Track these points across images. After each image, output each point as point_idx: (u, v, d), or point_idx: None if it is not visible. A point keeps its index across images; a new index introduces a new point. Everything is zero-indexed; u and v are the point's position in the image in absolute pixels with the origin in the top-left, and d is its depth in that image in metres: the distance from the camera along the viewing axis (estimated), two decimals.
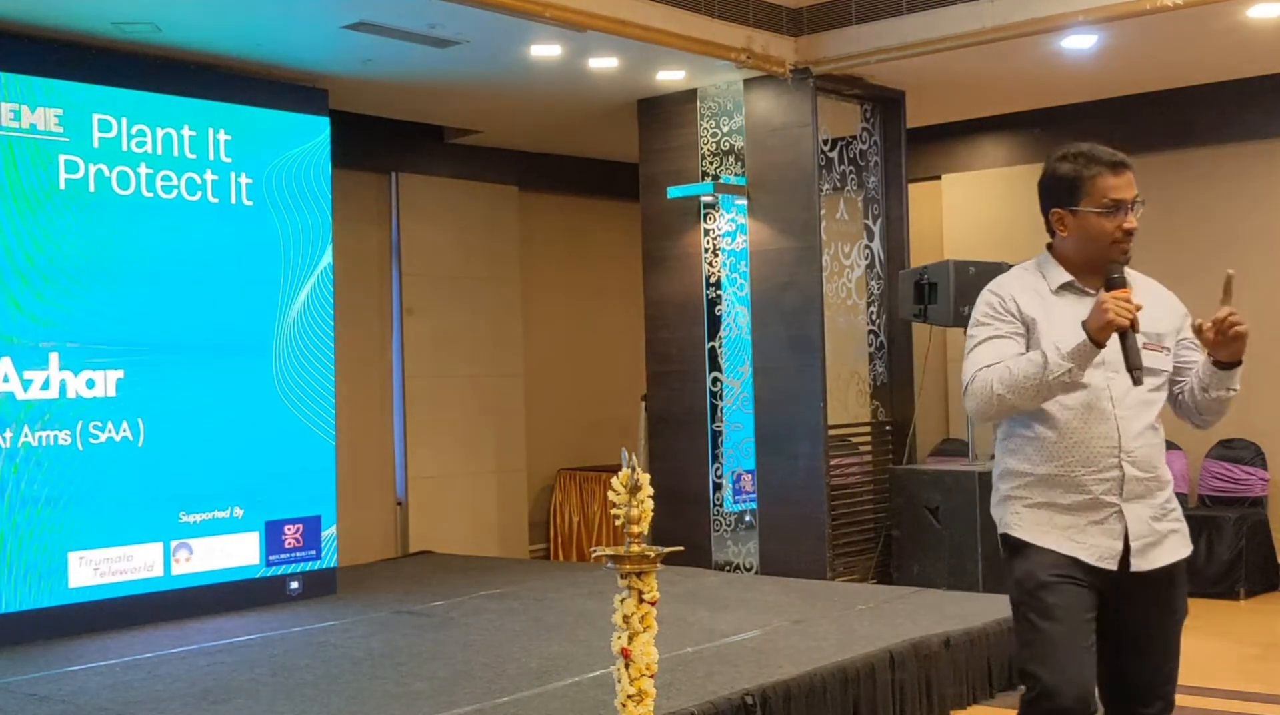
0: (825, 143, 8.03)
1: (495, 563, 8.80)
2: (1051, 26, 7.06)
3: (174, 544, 6.93)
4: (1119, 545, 3.15)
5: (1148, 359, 3.10)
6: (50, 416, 6.49)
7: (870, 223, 8.44)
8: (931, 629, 5.75)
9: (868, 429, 8.39)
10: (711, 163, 8.26)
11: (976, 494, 7.27)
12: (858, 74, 8.01)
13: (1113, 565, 3.15)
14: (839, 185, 8.19)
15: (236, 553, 7.16)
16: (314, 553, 7.48)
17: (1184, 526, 3.34)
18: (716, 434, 8.26)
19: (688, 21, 7.24)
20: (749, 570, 8.05)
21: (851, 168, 8.29)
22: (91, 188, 6.68)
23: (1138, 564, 3.17)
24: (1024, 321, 3.20)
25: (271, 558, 7.30)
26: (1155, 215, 9.20)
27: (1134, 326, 2.99)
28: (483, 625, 6.38)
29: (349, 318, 8.36)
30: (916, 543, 7.71)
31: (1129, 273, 3.19)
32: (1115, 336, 3.00)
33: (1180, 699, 5.81)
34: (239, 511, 7.18)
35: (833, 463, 7.92)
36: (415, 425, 9.29)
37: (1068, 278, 3.22)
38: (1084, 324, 3.00)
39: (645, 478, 3.78)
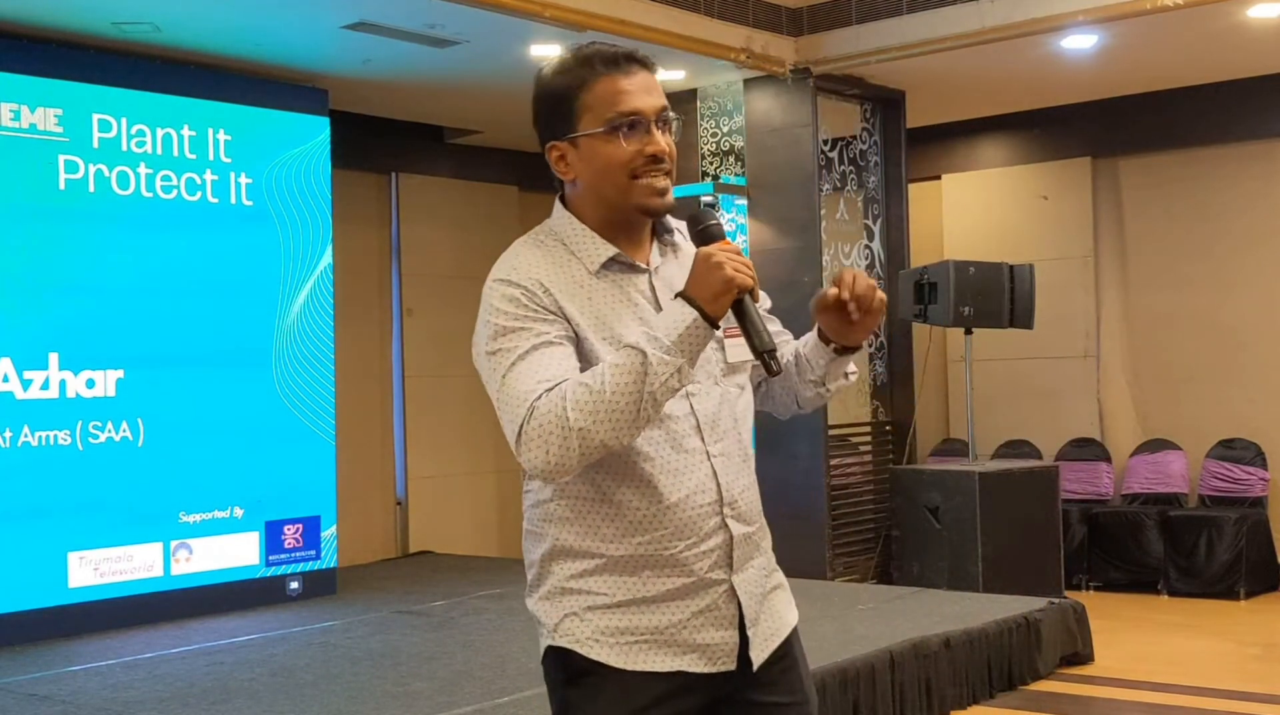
0: (825, 143, 8.04)
1: (495, 563, 8.80)
2: (1051, 26, 7.06)
3: (174, 544, 6.93)
4: (735, 635, 2.14)
5: (732, 351, 2.17)
6: (50, 416, 6.49)
7: (870, 223, 8.44)
8: (931, 629, 5.75)
9: (868, 429, 8.39)
10: (711, 163, 8.26)
11: (976, 494, 7.27)
12: (858, 74, 8.01)
13: (730, 664, 2.14)
14: (839, 185, 8.19)
15: (236, 553, 7.16)
16: (314, 553, 7.48)
17: (784, 579, 2.33)
18: None
19: (688, 21, 7.24)
20: None
21: (851, 168, 8.29)
22: (91, 188, 6.68)
23: (758, 653, 2.17)
24: (568, 320, 2.09)
25: (271, 558, 7.30)
26: (1155, 215, 9.26)
27: (749, 289, 2.01)
28: (483, 625, 6.37)
29: (349, 318, 8.36)
30: (916, 543, 7.70)
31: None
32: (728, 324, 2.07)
33: (1180, 699, 5.85)
34: (239, 511, 7.18)
35: (833, 463, 7.92)
36: (415, 425, 9.28)
37: (610, 249, 2.14)
38: (684, 295, 1.99)
39: None
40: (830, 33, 7.78)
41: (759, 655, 2.16)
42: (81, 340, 6.61)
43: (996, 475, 7.37)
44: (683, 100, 8.34)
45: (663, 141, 2.10)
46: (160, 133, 6.93)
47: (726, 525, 2.12)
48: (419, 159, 9.39)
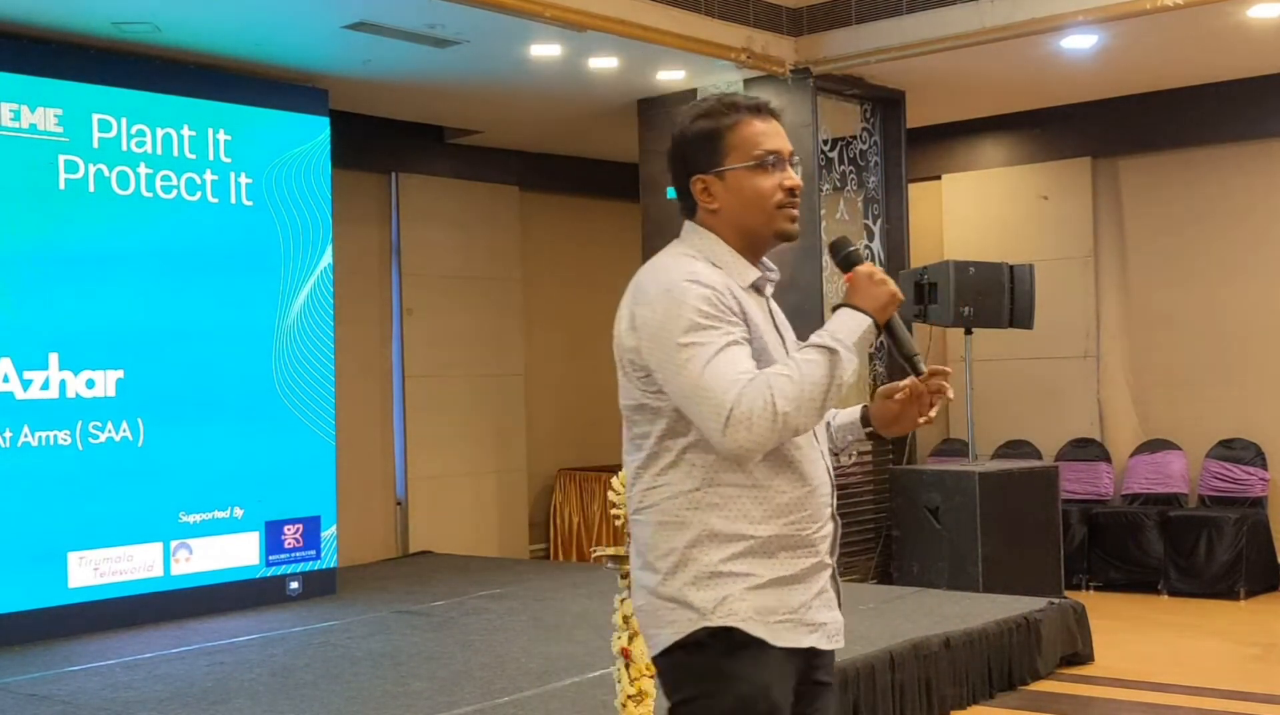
0: (825, 142, 8.04)
1: (495, 563, 8.80)
2: (1051, 26, 7.06)
3: (174, 544, 6.93)
4: (840, 617, 2.43)
5: None
6: (50, 416, 6.49)
7: (870, 223, 8.44)
8: (931, 629, 5.75)
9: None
10: None
11: (976, 494, 7.28)
12: (858, 74, 8.01)
13: (841, 643, 2.42)
14: (839, 185, 8.19)
15: (236, 553, 7.16)
16: (314, 553, 7.48)
17: None
18: None
19: (688, 21, 7.24)
20: None
21: (851, 168, 8.29)
22: (91, 188, 6.68)
23: (841, 633, 2.44)
24: (747, 324, 2.37)
25: (271, 558, 7.30)
26: (1155, 214, 9.25)
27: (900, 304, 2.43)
28: (483, 625, 6.38)
29: (349, 318, 8.36)
30: (916, 543, 7.70)
31: None
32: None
33: (1180, 699, 5.85)
34: (239, 511, 7.18)
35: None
36: (415, 425, 9.28)
37: (755, 272, 2.47)
38: (851, 305, 2.36)
39: None
40: (830, 33, 7.78)
41: (841, 637, 2.42)
42: (81, 340, 6.61)
43: (996, 475, 7.37)
44: (683, 100, 8.34)
45: (797, 179, 2.47)
46: (160, 133, 6.93)
47: (835, 516, 2.44)
48: (419, 159, 9.39)
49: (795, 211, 2.48)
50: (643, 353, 2.36)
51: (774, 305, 2.51)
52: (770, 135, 2.45)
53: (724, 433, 2.22)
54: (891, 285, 2.37)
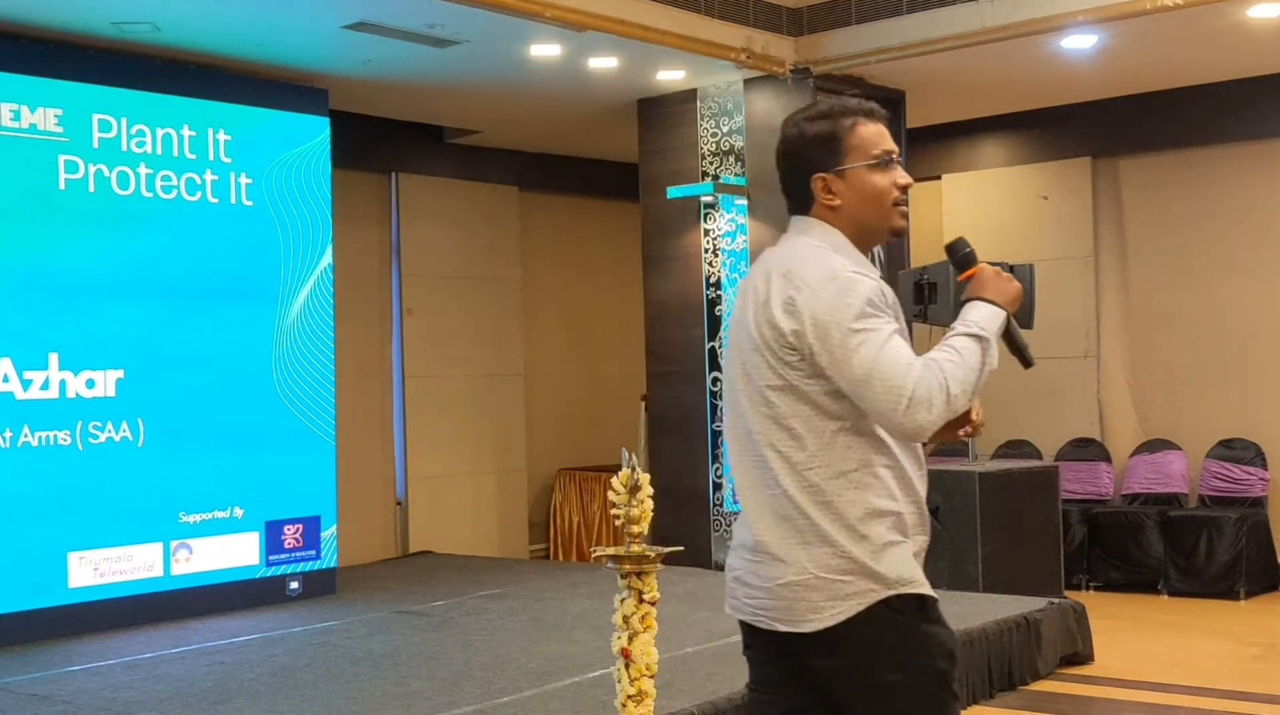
0: None
1: (495, 563, 8.80)
2: (1051, 26, 7.06)
3: (174, 544, 6.93)
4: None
5: None
6: (50, 416, 6.49)
7: None
8: None
9: None
10: (711, 163, 8.26)
11: (976, 494, 7.27)
12: (858, 74, 8.01)
13: None
14: None
15: (236, 553, 7.16)
16: (314, 553, 7.48)
17: None
18: (716, 434, 8.25)
19: (688, 21, 7.24)
20: None
21: None
22: (91, 188, 6.68)
23: None
24: (896, 318, 2.53)
25: (271, 558, 7.30)
26: (1155, 214, 9.25)
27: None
28: (483, 625, 6.38)
29: (349, 318, 8.36)
30: None
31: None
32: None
33: (1180, 699, 5.85)
34: (239, 511, 7.18)
35: None
36: (415, 425, 9.28)
37: (876, 269, 2.62)
38: (983, 298, 2.55)
39: (645, 478, 3.78)
40: (830, 33, 7.78)
41: None
42: (81, 340, 6.61)
43: (996, 475, 7.36)
44: (683, 100, 8.35)
45: (909, 178, 2.62)
46: (160, 133, 6.93)
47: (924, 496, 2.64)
48: (419, 159, 9.39)
49: (906, 208, 2.62)
50: (806, 336, 2.44)
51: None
52: (882, 136, 2.61)
53: (904, 413, 2.38)
54: (1017, 283, 2.59)
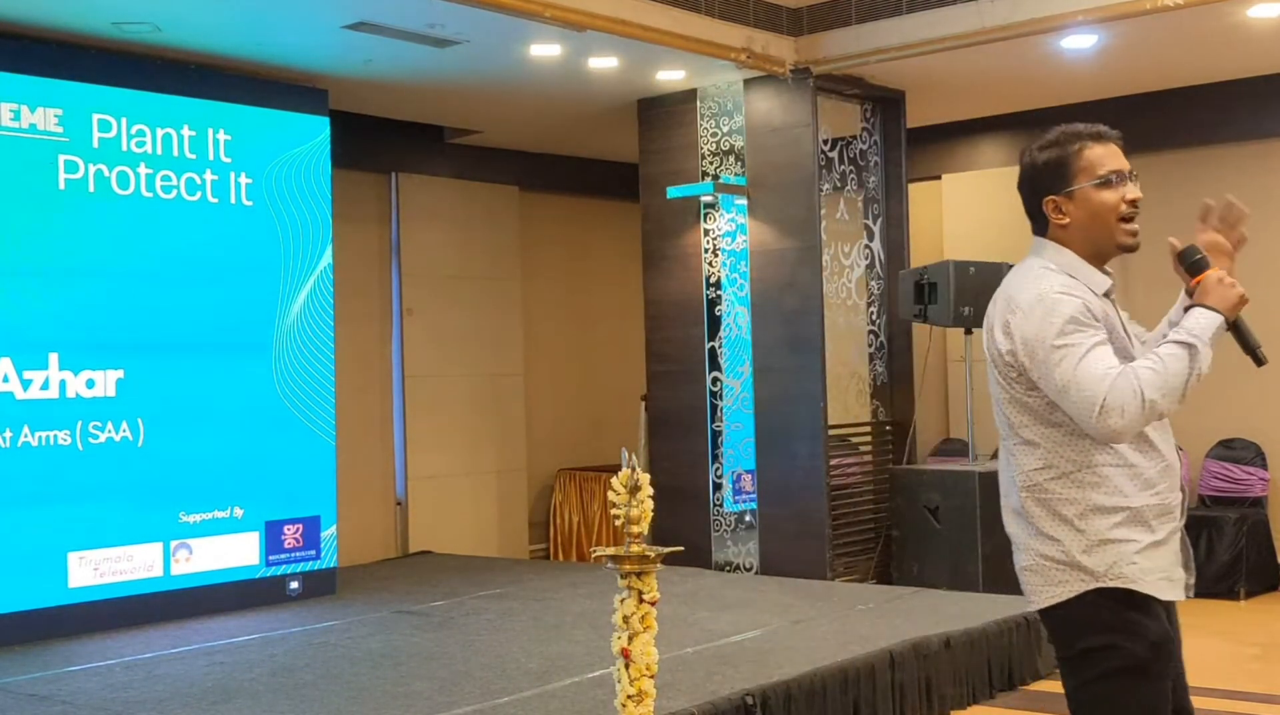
0: (825, 143, 8.03)
1: (495, 563, 8.80)
2: (1051, 26, 7.06)
3: (174, 544, 6.93)
4: (1190, 575, 2.90)
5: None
6: (50, 416, 6.49)
7: (870, 223, 8.44)
8: (931, 629, 5.75)
9: (868, 429, 8.39)
10: (711, 163, 8.26)
11: (976, 494, 7.28)
12: (858, 74, 8.01)
13: (1190, 596, 2.91)
14: (839, 185, 8.19)
15: (236, 553, 7.16)
16: (314, 553, 7.48)
17: None
18: (716, 434, 8.25)
19: (688, 21, 7.24)
20: (749, 570, 8.05)
21: (851, 167, 8.29)
22: (91, 188, 6.68)
23: (1191, 591, 2.91)
24: (1105, 329, 2.74)
25: (271, 558, 7.30)
26: (1154, 215, 9.23)
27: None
28: (483, 625, 6.38)
29: (349, 318, 8.36)
30: (916, 543, 7.70)
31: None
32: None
33: None
34: (239, 511, 7.18)
35: (833, 463, 7.92)
36: (415, 425, 9.29)
37: (1107, 281, 2.85)
38: (1204, 305, 2.74)
39: (645, 478, 3.78)
40: (830, 33, 7.78)
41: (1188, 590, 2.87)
42: (81, 340, 6.61)
43: (996, 475, 7.36)
44: (683, 100, 8.35)
45: (1138, 192, 2.85)
46: (160, 133, 6.94)
47: (1182, 486, 2.86)
48: (419, 159, 9.39)
49: (1135, 225, 2.85)
50: (1019, 355, 2.75)
51: (1119, 308, 2.87)
52: (1110, 156, 2.86)
53: (1097, 418, 2.62)
54: (1240, 288, 2.78)
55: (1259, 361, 2.78)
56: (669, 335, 8.45)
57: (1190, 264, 2.85)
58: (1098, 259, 2.85)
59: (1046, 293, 2.72)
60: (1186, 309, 2.78)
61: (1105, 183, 2.82)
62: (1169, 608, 2.83)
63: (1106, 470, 2.74)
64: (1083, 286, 2.77)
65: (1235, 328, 2.77)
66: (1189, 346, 2.66)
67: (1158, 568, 2.75)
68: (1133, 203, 2.83)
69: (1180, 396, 2.65)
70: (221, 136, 7.17)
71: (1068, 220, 2.83)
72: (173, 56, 7.07)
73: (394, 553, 9.15)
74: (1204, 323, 2.70)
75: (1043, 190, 2.85)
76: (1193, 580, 2.89)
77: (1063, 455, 2.76)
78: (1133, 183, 2.87)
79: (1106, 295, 2.84)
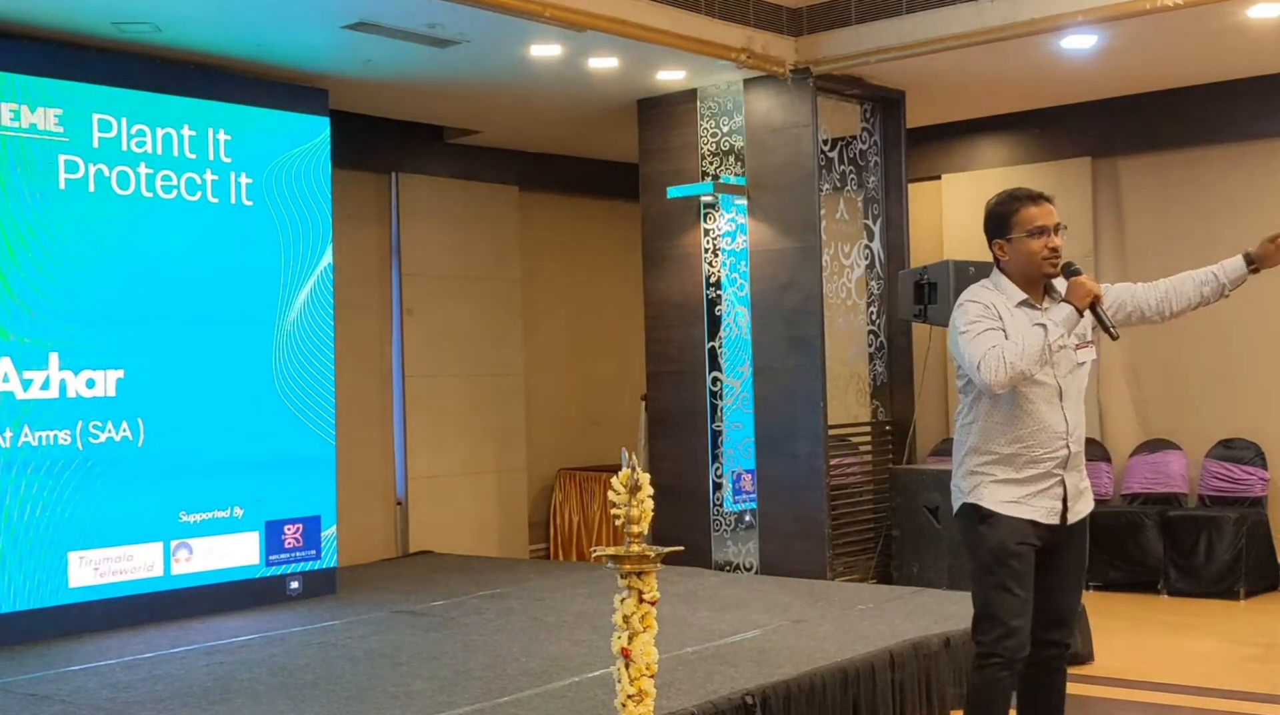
0: (825, 143, 8.03)
1: (495, 563, 8.80)
2: (1051, 26, 7.06)
3: (174, 544, 6.93)
4: (1060, 506, 4.00)
5: (1080, 355, 4.04)
6: (50, 416, 6.49)
7: (870, 223, 8.44)
8: (931, 629, 5.75)
9: (868, 429, 8.39)
10: (711, 163, 8.26)
11: None
12: (858, 74, 8.01)
13: (1056, 520, 4.00)
14: (839, 185, 8.19)
15: (236, 553, 7.16)
16: (314, 553, 7.48)
17: (1089, 486, 4.17)
18: (716, 434, 8.26)
19: (688, 21, 7.24)
20: (749, 570, 8.05)
21: (851, 168, 8.29)
22: (91, 188, 6.68)
23: (1069, 517, 4.03)
24: (1002, 323, 3.94)
25: (271, 558, 7.30)
26: (1155, 215, 9.25)
27: (1099, 298, 3.89)
28: (483, 625, 6.38)
29: (349, 318, 8.36)
30: (916, 543, 7.70)
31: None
32: (1088, 316, 3.91)
33: (1180, 699, 5.85)
34: (239, 511, 7.18)
35: (833, 463, 7.92)
36: (415, 425, 9.29)
37: (1023, 296, 4.00)
38: (1066, 298, 3.87)
39: (645, 478, 3.78)
40: (830, 33, 7.78)
41: (1069, 520, 4.02)
42: (81, 340, 6.61)
43: None
44: (683, 100, 8.35)
45: (1058, 242, 3.98)
46: (160, 133, 6.94)
47: (1069, 446, 3.99)
48: (419, 159, 9.39)
49: (1055, 261, 3.97)
50: (949, 340, 4.07)
51: (1052, 313, 3.88)
52: (1042, 214, 3.99)
53: (978, 373, 3.84)
54: (1090, 286, 3.86)
55: (1113, 337, 3.94)
56: (669, 335, 8.45)
57: (1070, 273, 3.96)
58: (1028, 283, 4.01)
59: (964, 298, 4.03)
60: (1060, 302, 3.92)
61: (1034, 234, 3.97)
62: (1054, 529, 3.98)
63: (988, 425, 3.99)
64: (1000, 296, 3.99)
65: (1095, 312, 3.88)
66: (1044, 328, 3.81)
67: (1010, 497, 3.95)
68: (1053, 249, 3.96)
69: (1036, 363, 3.80)
70: (221, 136, 7.17)
71: (1006, 257, 4.05)
72: (173, 56, 7.07)
73: (394, 553, 9.15)
74: (1064, 313, 3.86)
75: (991, 235, 4.07)
76: (1079, 508, 4.05)
77: (970, 412, 4.05)
78: (1056, 234, 3.98)
79: (1029, 305, 3.99)
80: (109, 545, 6.67)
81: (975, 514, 3.99)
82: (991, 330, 3.88)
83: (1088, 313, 3.89)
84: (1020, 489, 3.95)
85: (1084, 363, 4.08)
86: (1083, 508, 4.08)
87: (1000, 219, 4.03)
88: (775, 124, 8.00)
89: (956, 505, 4.09)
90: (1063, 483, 3.98)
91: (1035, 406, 3.94)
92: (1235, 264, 4.12)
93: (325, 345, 7.56)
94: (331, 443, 7.58)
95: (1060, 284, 4.03)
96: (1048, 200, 4.03)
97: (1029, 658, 4.03)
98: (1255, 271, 4.08)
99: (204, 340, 7.07)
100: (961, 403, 4.10)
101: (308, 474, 7.46)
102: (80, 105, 6.65)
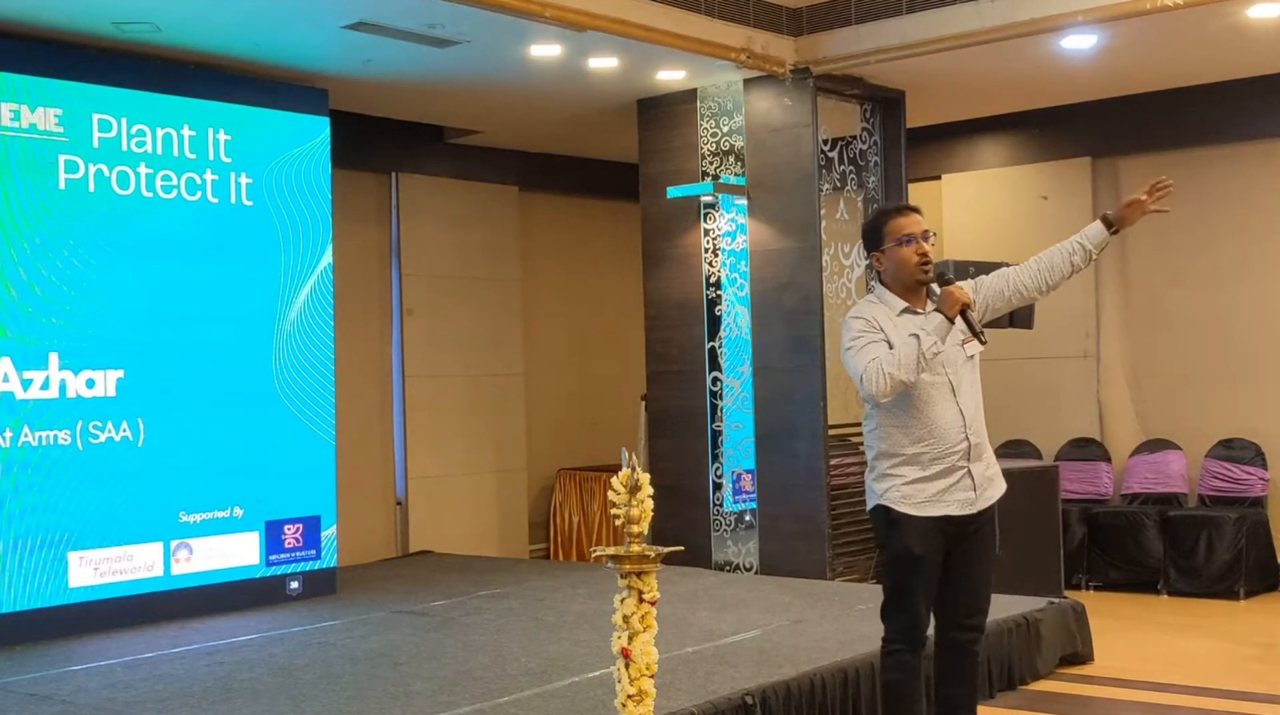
0: (825, 143, 8.03)
1: (495, 563, 8.80)
2: (1051, 26, 7.06)
3: (174, 544, 6.93)
4: (974, 496, 4.21)
5: (969, 349, 4.24)
6: (50, 416, 6.49)
7: None
8: (931, 628, 5.74)
9: None
10: (711, 163, 8.26)
11: None
12: (858, 74, 8.00)
13: (971, 509, 4.21)
14: (839, 185, 8.18)
15: (236, 553, 7.16)
16: (314, 553, 7.48)
17: (999, 470, 4.38)
18: (716, 434, 8.26)
19: (688, 21, 7.24)
20: (749, 570, 8.05)
21: (851, 168, 8.29)
22: (91, 188, 6.68)
23: (979, 504, 4.24)
24: (885, 334, 4.16)
25: (271, 558, 7.30)
26: (1153, 215, 9.21)
27: (969, 306, 4.13)
28: (483, 625, 6.38)
29: (349, 318, 8.36)
30: None
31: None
32: (960, 323, 4.13)
33: (1180, 699, 5.85)
34: (239, 511, 7.18)
35: (833, 463, 7.92)
36: (415, 425, 9.28)
37: (904, 304, 4.24)
38: (938, 309, 4.12)
39: (645, 478, 3.78)
40: (830, 33, 7.78)
41: (979, 505, 4.24)
42: (81, 340, 6.62)
43: None
44: (683, 100, 8.35)
45: (926, 248, 4.23)
46: (160, 133, 6.94)
47: (968, 438, 4.19)
48: (419, 159, 9.39)
49: (927, 266, 4.21)
50: (841, 353, 4.27)
51: (932, 317, 4.14)
52: (910, 224, 4.24)
53: (861, 385, 4.11)
54: (959, 295, 4.10)
55: (981, 342, 4.17)
56: (669, 335, 8.45)
57: (943, 281, 4.17)
58: (907, 291, 4.24)
59: (850, 315, 4.26)
60: (933, 311, 4.18)
61: (903, 242, 4.22)
62: (961, 524, 4.20)
63: (889, 429, 4.21)
64: (882, 307, 4.23)
65: (965, 318, 4.12)
66: (916, 337, 4.04)
67: (923, 497, 4.16)
68: (922, 254, 4.20)
69: (913, 370, 4.03)
70: (221, 136, 7.17)
71: (882, 267, 4.29)
72: (173, 56, 7.07)
73: (394, 553, 9.15)
74: (935, 323, 4.10)
75: (868, 248, 4.35)
76: (990, 493, 4.27)
77: (873, 419, 4.26)
78: (926, 241, 4.22)
79: (911, 311, 4.21)
80: (109, 545, 6.67)
81: (885, 516, 4.22)
82: (873, 343, 4.11)
83: (959, 319, 4.11)
84: (932, 485, 4.16)
85: (973, 356, 4.27)
86: (993, 493, 4.29)
87: (873, 232, 4.30)
88: (775, 124, 8.00)
89: (870, 505, 4.30)
90: (969, 474, 4.19)
91: (932, 405, 4.14)
92: (1097, 229, 4.26)
93: (325, 345, 7.56)
94: (331, 443, 7.58)
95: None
96: (915, 210, 4.29)
97: (946, 642, 4.35)
98: (1115, 233, 4.24)
99: (204, 340, 7.07)
100: (867, 409, 4.30)
101: (308, 474, 7.46)
102: (80, 105, 6.65)
